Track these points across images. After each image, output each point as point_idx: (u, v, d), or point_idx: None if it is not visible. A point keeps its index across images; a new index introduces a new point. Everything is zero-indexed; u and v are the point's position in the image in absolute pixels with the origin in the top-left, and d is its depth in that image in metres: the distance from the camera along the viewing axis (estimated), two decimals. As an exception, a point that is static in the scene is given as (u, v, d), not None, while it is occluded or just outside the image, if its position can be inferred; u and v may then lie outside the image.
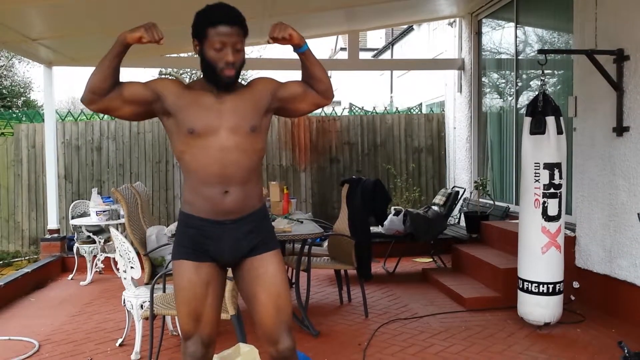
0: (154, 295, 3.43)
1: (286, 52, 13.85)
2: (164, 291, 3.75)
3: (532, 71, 5.94)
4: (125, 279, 3.78)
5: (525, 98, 6.05)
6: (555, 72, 5.58)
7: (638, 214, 3.43)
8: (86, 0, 4.61)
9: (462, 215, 6.58)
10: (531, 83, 5.99)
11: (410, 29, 15.97)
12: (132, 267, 3.68)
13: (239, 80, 2.25)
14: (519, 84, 6.15)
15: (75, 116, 8.11)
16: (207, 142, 2.10)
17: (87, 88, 2.10)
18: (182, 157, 2.17)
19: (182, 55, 8.09)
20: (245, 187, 2.17)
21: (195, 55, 9.33)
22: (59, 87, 8.09)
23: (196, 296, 2.17)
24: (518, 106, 6.16)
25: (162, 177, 7.89)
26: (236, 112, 2.14)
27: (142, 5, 4.99)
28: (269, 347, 2.24)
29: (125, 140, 7.85)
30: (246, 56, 2.29)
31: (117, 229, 5.75)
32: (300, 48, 2.19)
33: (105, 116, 8.15)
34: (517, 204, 6.03)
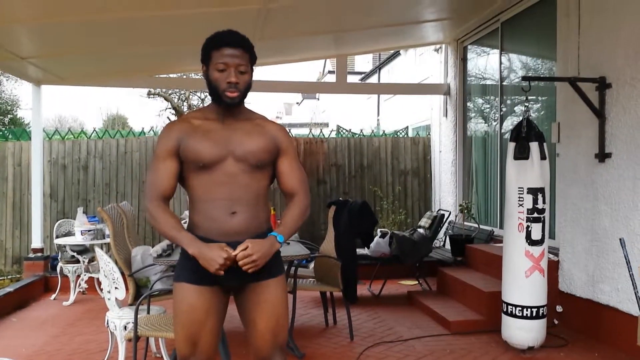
0: (138, 316, 3.41)
1: (280, 74, 13.93)
2: (149, 312, 3.73)
3: (516, 97, 6.06)
4: (109, 299, 3.74)
5: (509, 123, 6.16)
6: (539, 98, 5.69)
7: (620, 239, 3.48)
8: (77, 21, 4.65)
9: (448, 238, 6.63)
10: (515, 108, 6.10)
11: (397, 54, 16.20)
12: (116, 288, 3.65)
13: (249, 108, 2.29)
14: (503, 109, 6.26)
15: (62, 135, 8.09)
16: (215, 170, 2.14)
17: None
18: (190, 184, 2.20)
19: (171, 75, 8.12)
20: (252, 209, 2.18)
21: (184, 76, 9.34)
22: (46, 105, 8.07)
23: (195, 320, 2.16)
24: (502, 131, 6.26)
25: (149, 197, 7.86)
26: (243, 144, 2.17)
27: (132, 26, 5.04)
28: None
29: (112, 159, 7.83)
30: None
31: (102, 249, 5.74)
32: (279, 241, 2.17)
33: (92, 135, 8.15)
34: (501, 227, 6.09)
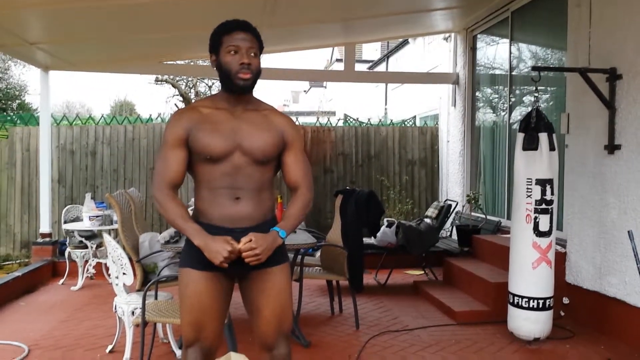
0: (146, 302, 3.44)
1: (287, 62, 13.89)
2: (156, 298, 3.75)
3: (526, 87, 6.01)
4: (117, 285, 3.77)
5: (518, 113, 6.12)
6: (549, 88, 5.64)
7: (629, 231, 3.47)
8: (85, 7, 4.63)
9: (454, 228, 6.62)
10: (524, 99, 6.06)
11: (405, 42, 16.06)
12: (124, 274, 3.67)
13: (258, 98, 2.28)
14: (512, 99, 6.22)
15: (70, 120, 8.11)
16: (222, 162, 2.15)
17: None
18: (196, 172, 2.21)
19: (179, 62, 8.10)
20: (255, 196, 2.20)
21: (192, 63, 9.27)
22: (54, 90, 8.08)
23: (200, 306, 2.17)
24: (511, 121, 6.23)
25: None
26: (251, 138, 2.17)
27: (140, 13, 5.02)
28: (264, 352, 2.27)
29: (120, 145, 7.85)
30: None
31: (110, 235, 5.77)
32: (281, 236, 2.17)
33: (101, 121, 8.17)
34: (508, 218, 6.09)
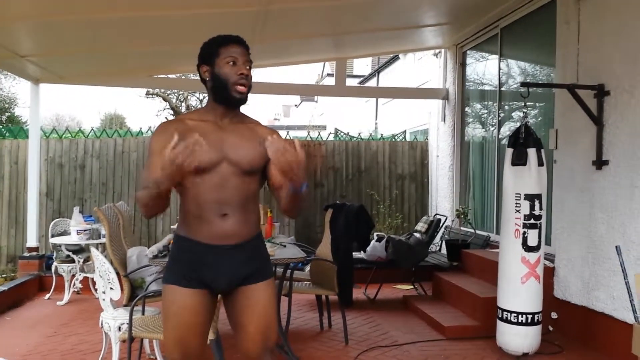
0: (133, 317, 3.40)
1: (279, 77, 13.94)
2: (143, 313, 3.71)
3: (515, 103, 6.07)
4: (103, 299, 3.73)
5: (507, 129, 6.16)
6: (537, 104, 5.70)
7: (616, 247, 3.49)
8: (76, 20, 4.64)
9: (444, 242, 6.62)
10: (513, 114, 6.11)
11: (396, 58, 16.21)
12: (111, 288, 3.64)
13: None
14: (501, 114, 6.27)
15: (59, 133, 8.07)
16: (208, 173, 2.12)
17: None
18: (184, 188, 2.15)
19: (169, 76, 8.11)
20: (242, 211, 2.18)
21: (183, 77, 9.26)
22: (44, 103, 8.05)
23: (184, 323, 2.16)
24: (500, 137, 6.27)
25: (145, 197, 7.83)
26: (237, 149, 2.16)
27: (132, 26, 5.04)
28: None
29: (109, 158, 7.81)
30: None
31: (98, 249, 5.71)
32: (301, 187, 2.08)
33: (90, 134, 8.13)
34: (497, 233, 6.10)
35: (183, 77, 9.37)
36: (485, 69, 6.79)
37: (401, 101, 13.62)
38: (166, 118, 17.17)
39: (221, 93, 2.17)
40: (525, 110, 4.11)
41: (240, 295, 2.21)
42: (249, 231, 2.22)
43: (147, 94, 16.22)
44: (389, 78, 17.57)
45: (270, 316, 2.23)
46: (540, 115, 5.67)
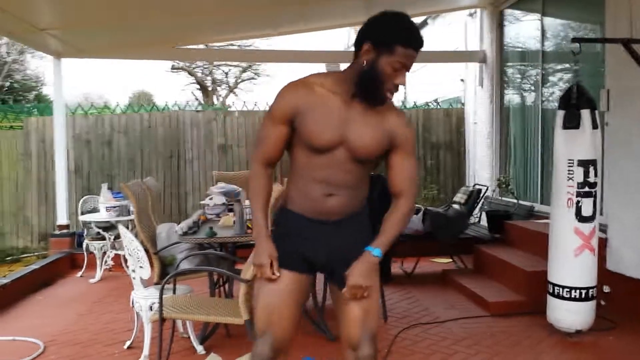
0: (164, 296, 3.25)
1: (303, 45, 13.59)
2: (174, 292, 3.57)
3: (558, 65, 5.69)
4: (134, 278, 3.60)
5: (551, 92, 5.80)
6: (583, 65, 5.29)
7: None
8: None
9: (484, 214, 6.32)
10: (557, 76, 5.74)
11: (424, 24, 15.68)
12: (141, 267, 3.50)
13: None
14: (545, 77, 5.89)
15: (85, 110, 7.96)
16: (323, 153, 2.04)
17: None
18: (294, 155, 2.13)
19: (193, 47, 7.87)
20: (350, 192, 2.11)
21: (207, 47, 8.84)
22: (72, 81, 7.95)
23: (276, 302, 2.13)
24: (543, 100, 5.91)
25: (174, 173, 7.71)
26: (358, 136, 2.04)
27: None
28: (348, 351, 2.19)
29: (136, 134, 7.68)
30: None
31: (128, 226, 5.61)
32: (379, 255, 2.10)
33: (117, 109, 8.01)
34: (542, 203, 5.80)
35: (208, 47, 9.10)
36: (526, 28, 6.37)
37: (431, 69, 13.16)
38: (193, 93, 16.97)
39: (367, 84, 2.00)
40: (577, 68, 3.77)
41: (343, 279, 2.12)
42: (354, 207, 2.15)
43: (173, 68, 16.06)
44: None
45: (370, 302, 2.14)
46: (588, 76, 5.28)
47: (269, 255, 2.07)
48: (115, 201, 5.86)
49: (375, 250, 2.07)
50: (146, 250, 3.61)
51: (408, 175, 2.15)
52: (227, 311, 3.13)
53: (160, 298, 3.13)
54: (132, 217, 5.65)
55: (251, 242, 3.10)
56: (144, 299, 3.53)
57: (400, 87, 2.04)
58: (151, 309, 3.46)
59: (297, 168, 2.11)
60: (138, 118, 7.71)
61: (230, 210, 4.46)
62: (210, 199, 4.78)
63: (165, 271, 4.02)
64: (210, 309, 3.17)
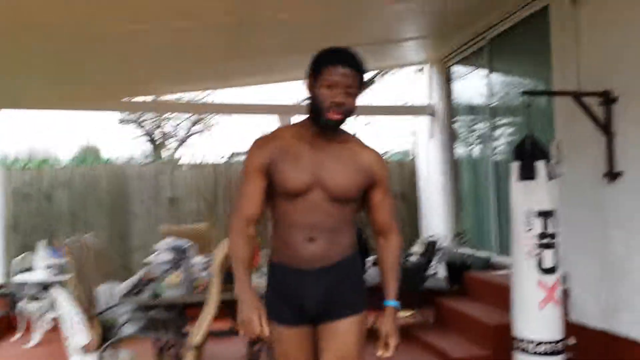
0: (104, 366, 2.94)
1: (258, 98, 13.59)
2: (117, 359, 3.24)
3: (507, 118, 5.79)
4: (67, 346, 3.26)
5: (500, 144, 5.87)
6: (531, 118, 5.38)
7: None
8: (31, 37, 4.21)
9: (441, 265, 6.22)
10: (506, 129, 5.83)
11: (371, 82, 16.05)
12: (75, 333, 3.17)
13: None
14: (494, 130, 5.97)
15: (24, 163, 7.54)
16: (299, 198, 2.08)
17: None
18: (274, 208, 2.16)
19: (139, 99, 7.65)
20: (332, 235, 2.12)
21: (159, 98, 8.67)
22: (16, 134, 7.55)
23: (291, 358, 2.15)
24: (494, 152, 5.97)
25: (119, 227, 7.33)
26: (332, 175, 2.08)
27: (97, 46, 4.60)
28: None
29: (79, 188, 7.28)
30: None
31: (66, 287, 5.20)
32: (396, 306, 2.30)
33: (58, 163, 7.62)
34: (500, 253, 5.76)
35: (154, 98, 8.86)
36: (473, 83, 6.50)
37: (381, 123, 13.39)
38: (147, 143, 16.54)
39: (315, 114, 2.09)
40: (528, 120, 3.78)
41: (325, 330, 2.17)
42: (341, 253, 2.16)
43: (121, 120, 15.70)
44: (365, 100, 17.37)
45: (349, 353, 2.15)
46: (536, 129, 5.36)
47: (256, 308, 2.01)
48: (54, 260, 5.46)
49: (394, 304, 2.23)
50: (87, 314, 3.29)
51: (389, 211, 2.22)
52: (174, 381, 2.84)
53: (98, 369, 2.81)
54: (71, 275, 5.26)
55: (200, 301, 2.88)
56: (80, 369, 3.19)
57: (349, 109, 2.06)
58: (89, 380, 3.12)
59: (278, 217, 2.13)
60: (80, 172, 7.35)
61: (178, 267, 4.19)
62: (157, 255, 4.50)
63: (107, 335, 3.68)
64: (155, 380, 2.87)
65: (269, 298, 2.19)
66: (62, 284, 5.25)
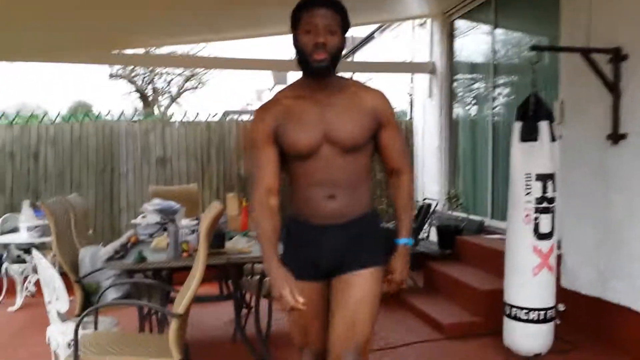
0: (84, 332, 2.83)
1: (251, 53, 13.26)
2: (96, 328, 3.12)
3: (510, 77, 5.58)
4: (49, 311, 3.14)
5: (501, 104, 5.68)
6: (535, 77, 5.19)
7: None
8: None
9: (433, 229, 6.12)
10: (508, 89, 5.63)
11: (371, 38, 15.67)
12: (57, 298, 3.05)
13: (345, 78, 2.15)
14: (495, 89, 5.77)
15: (10, 119, 7.31)
16: (311, 157, 2.05)
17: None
18: (287, 168, 2.13)
19: (131, 51, 7.39)
20: (351, 191, 2.08)
21: (146, 50, 8.26)
22: (4, 89, 7.25)
23: (304, 315, 2.11)
24: (493, 113, 5.78)
25: (107, 187, 7.15)
26: (337, 126, 2.03)
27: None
28: None
29: (66, 146, 7.09)
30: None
31: (49, 248, 5.08)
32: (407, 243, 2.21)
33: (45, 119, 7.41)
34: (492, 217, 5.65)
35: (149, 50, 8.61)
36: (477, 39, 6.25)
37: (379, 81, 13.08)
38: (137, 101, 16.28)
39: (302, 65, 2.05)
40: (535, 78, 3.59)
41: (337, 282, 2.10)
42: (360, 209, 2.12)
43: (111, 75, 15.35)
44: (365, 58, 17.00)
45: (360, 312, 2.05)
46: (540, 88, 5.17)
47: (286, 283, 1.97)
48: (38, 220, 5.32)
49: (407, 241, 2.15)
50: (67, 277, 3.17)
51: (401, 149, 2.18)
52: (156, 351, 2.73)
53: (76, 336, 2.68)
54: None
55: (187, 266, 2.78)
56: (61, 335, 3.08)
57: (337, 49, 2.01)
58: (69, 347, 3.01)
59: (295, 179, 2.11)
60: (68, 128, 7.13)
61: (165, 230, 4.05)
62: (144, 217, 4.36)
63: (89, 301, 3.58)
64: (136, 348, 2.76)
65: (285, 252, 2.18)
66: (45, 245, 5.15)
